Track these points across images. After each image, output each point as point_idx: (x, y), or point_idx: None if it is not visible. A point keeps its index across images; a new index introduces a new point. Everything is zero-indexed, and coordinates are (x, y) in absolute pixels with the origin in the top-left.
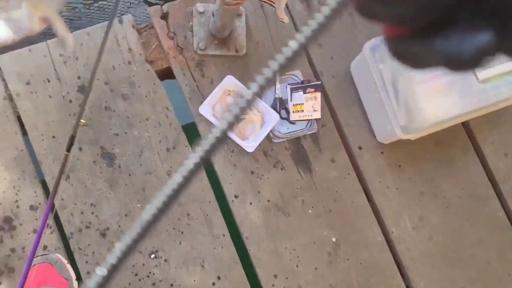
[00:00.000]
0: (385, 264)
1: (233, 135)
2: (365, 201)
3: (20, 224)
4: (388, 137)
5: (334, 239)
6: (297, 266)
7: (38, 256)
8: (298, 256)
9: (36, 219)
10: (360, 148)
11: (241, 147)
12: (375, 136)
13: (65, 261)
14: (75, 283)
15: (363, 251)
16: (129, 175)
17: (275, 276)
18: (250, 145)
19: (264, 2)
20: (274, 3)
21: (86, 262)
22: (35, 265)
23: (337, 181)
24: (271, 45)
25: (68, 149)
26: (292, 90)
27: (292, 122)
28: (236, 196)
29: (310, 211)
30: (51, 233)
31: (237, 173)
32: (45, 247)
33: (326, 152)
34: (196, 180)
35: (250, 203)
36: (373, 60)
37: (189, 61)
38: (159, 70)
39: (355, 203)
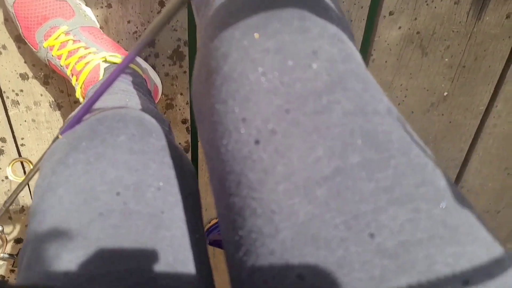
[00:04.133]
0: (466, 130)
1: None
2: (499, 68)
3: None
4: None
5: (445, 94)
6: (399, 104)
7: None
8: (405, 96)
9: None
10: None
11: None
12: None
13: None
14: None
15: (459, 113)
16: None
17: None
18: None
19: None
20: None
21: None
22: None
23: (494, 39)
24: None
25: None
26: None
27: None
28: (391, 13)
29: (446, 59)
30: None
31: None
32: None
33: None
34: None
35: (399, 28)
36: None
37: None
38: None
39: (491, 67)
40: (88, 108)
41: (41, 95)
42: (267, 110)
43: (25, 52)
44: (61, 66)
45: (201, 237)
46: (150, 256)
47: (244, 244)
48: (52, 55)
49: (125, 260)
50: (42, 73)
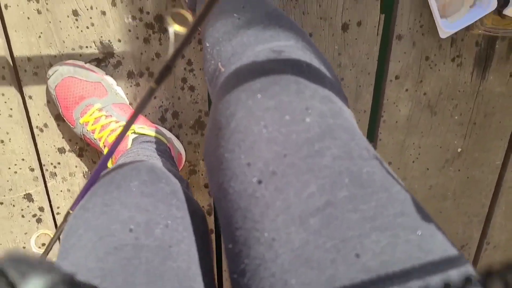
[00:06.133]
0: (486, 185)
1: (433, 4)
2: (510, 124)
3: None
4: None
5: (459, 150)
6: (413, 162)
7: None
8: (419, 154)
9: None
10: None
11: (434, 23)
12: None
13: (82, 63)
14: (109, 79)
15: (475, 168)
16: None
17: (389, 163)
18: (445, 29)
19: None
20: None
21: None
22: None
23: (501, 98)
24: None
25: None
26: None
27: (503, 16)
28: (397, 77)
29: (456, 117)
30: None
31: (411, 53)
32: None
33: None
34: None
35: (406, 90)
36: None
37: None
38: None
39: (502, 123)
40: (93, 182)
41: (76, 166)
42: (268, 155)
43: (64, 129)
44: (95, 139)
45: (208, 272)
46: (159, 284)
47: (249, 270)
48: (87, 130)
49: (136, 287)
50: (78, 147)
